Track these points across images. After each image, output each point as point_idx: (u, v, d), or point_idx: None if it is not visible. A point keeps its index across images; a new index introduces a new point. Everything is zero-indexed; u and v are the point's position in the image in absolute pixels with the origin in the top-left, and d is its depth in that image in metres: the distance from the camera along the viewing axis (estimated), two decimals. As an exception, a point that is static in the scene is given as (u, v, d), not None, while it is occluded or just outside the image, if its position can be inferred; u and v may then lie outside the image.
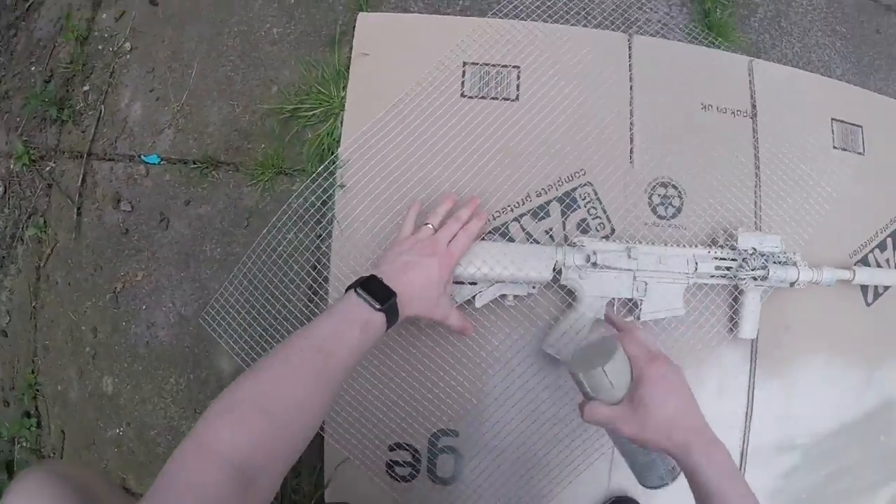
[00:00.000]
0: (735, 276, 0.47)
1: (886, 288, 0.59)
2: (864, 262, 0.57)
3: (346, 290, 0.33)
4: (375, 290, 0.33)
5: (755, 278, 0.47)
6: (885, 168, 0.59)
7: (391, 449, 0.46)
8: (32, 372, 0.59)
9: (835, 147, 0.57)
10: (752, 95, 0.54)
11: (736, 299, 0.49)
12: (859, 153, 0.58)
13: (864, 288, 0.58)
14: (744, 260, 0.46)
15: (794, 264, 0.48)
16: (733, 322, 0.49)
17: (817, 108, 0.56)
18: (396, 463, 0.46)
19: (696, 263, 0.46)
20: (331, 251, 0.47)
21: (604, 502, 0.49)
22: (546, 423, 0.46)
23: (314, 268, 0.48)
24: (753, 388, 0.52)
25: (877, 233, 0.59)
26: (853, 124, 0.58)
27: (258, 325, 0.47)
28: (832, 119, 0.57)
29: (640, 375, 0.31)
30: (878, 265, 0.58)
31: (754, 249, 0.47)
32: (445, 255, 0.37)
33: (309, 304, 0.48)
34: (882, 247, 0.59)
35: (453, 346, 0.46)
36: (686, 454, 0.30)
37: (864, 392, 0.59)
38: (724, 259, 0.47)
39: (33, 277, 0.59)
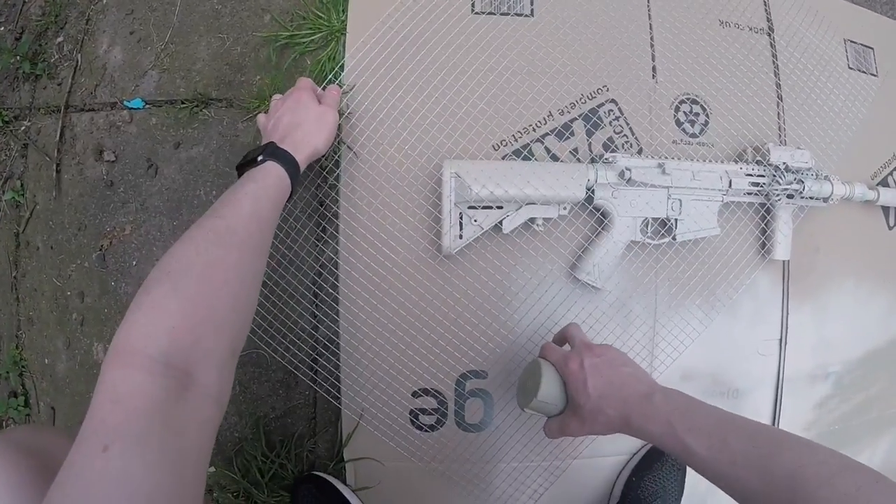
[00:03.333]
0: (770, 193, 0.42)
1: None
2: (883, 184, 0.53)
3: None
4: (248, 153, 0.32)
5: (790, 195, 0.42)
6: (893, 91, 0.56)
7: (415, 395, 0.40)
8: (17, 347, 0.50)
9: (850, 67, 0.52)
10: (767, 13, 0.49)
11: (768, 219, 0.44)
12: (874, 74, 0.54)
13: (886, 211, 0.53)
14: (777, 175, 0.42)
15: (828, 179, 0.43)
16: (763, 244, 0.45)
17: (831, 28, 0.51)
18: (422, 411, 0.40)
19: (730, 179, 0.41)
20: (339, 184, 0.40)
21: (646, 444, 0.44)
22: None
23: (320, 204, 0.41)
24: (787, 313, 0.47)
25: (895, 154, 0.55)
26: (865, 45, 0.54)
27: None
28: (845, 39, 0.52)
29: (564, 379, 0.30)
30: (898, 187, 0.54)
31: (786, 164, 0.42)
32: (302, 88, 0.35)
33: (318, 243, 0.41)
34: (884, 183, 0.55)
35: (479, 277, 0.39)
36: (628, 426, 0.28)
37: (889, 318, 0.54)
38: (757, 175, 0.42)
39: (12, 245, 0.51)
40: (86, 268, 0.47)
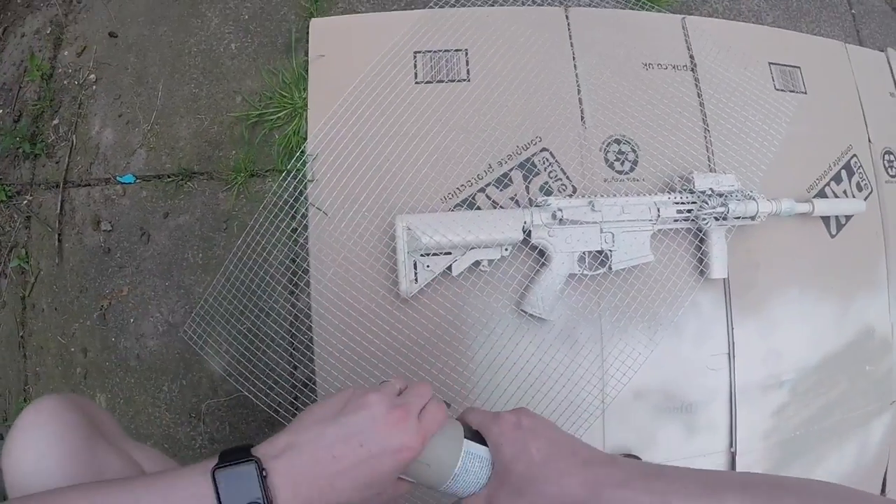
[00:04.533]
0: (697, 218, 0.50)
1: (848, 218, 0.63)
2: (821, 195, 0.61)
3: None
4: (231, 478, 0.20)
5: (716, 217, 0.50)
6: (830, 104, 0.64)
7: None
8: (25, 400, 0.60)
9: (777, 89, 0.61)
10: (689, 50, 0.58)
11: (702, 241, 0.52)
12: (802, 92, 0.63)
13: (826, 220, 0.61)
14: (703, 201, 0.50)
15: (753, 198, 0.51)
16: (703, 264, 0.53)
17: (753, 55, 0.60)
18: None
19: (658, 209, 0.49)
20: (308, 242, 0.49)
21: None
22: (535, 383, 0.48)
23: (293, 261, 0.51)
24: (732, 329, 0.55)
25: (830, 166, 0.63)
26: (791, 66, 0.63)
27: (241, 327, 0.49)
28: (769, 63, 0.61)
29: (494, 443, 0.25)
30: (836, 197, 0.61)
31: (711, 190, 0.50)
32: (416, 431, 0.24)
33: (290, 296, 0.50)
34: (837, 179, 0.63)
35: (435, 316, 0.48)
36: (596, 497, 0.23)
37: (841, 323, 0.62)
38: (684, 202, 0.50)
39: (19, 308, 0.61)
40: (88, 326, 0.57)
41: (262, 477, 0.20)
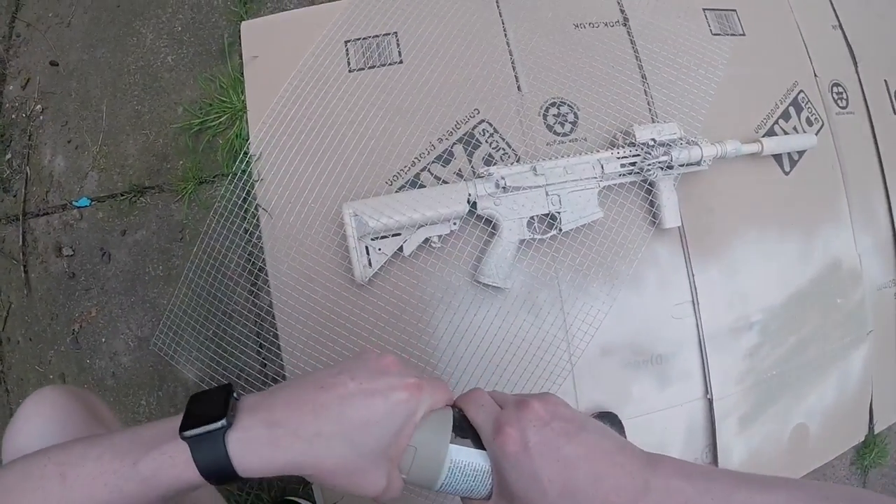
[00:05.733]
0: (642, 169, 0.51)
1: (801, 154, 0.64)
2: (770, 134, 0.62)
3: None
4: (205, 404, 0.20)
5: (661, 166, 0.51)
6: (770, 42, 0.65)
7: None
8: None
9: (714, 34, 0.62)
10: (619, 5, 0.59)
11: (650, 192, 0.53)
12: (741, 34, 0.63)
13: (778, 158, 0.62)
14: (646, 152, 0.51)
15: (696, 143, 0.52)
16: (654, 215, 0.54)
17: (686, 1, 0.61)
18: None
19: (602, 166, 0.50)
20: (262, 240, 0.51)
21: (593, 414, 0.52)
22: (499, 351, 0.50)
23: (249, 260, 0.52)
24: (693, 275, 0.56)
25: (777, 104, 0.64)
26: (726, 9, 0.64)
27: (208, 332, 0.51)
28: (703, 9, 0.62)
29: (496, 461, 0.21)
30: (786, 134, 0.62)
31: (654, 140, 0.51)
32: (410, 385, 0.21)
33: (250, 296, 0.52)
34: (786, 116, 0.64)
35: (393, 297, 0.49)
36: None
37: (806, 258, 0.63)
38: (627, 156, 0.51)
39: (-4, 345, 0.63)
40: (62, 352, 0.58)
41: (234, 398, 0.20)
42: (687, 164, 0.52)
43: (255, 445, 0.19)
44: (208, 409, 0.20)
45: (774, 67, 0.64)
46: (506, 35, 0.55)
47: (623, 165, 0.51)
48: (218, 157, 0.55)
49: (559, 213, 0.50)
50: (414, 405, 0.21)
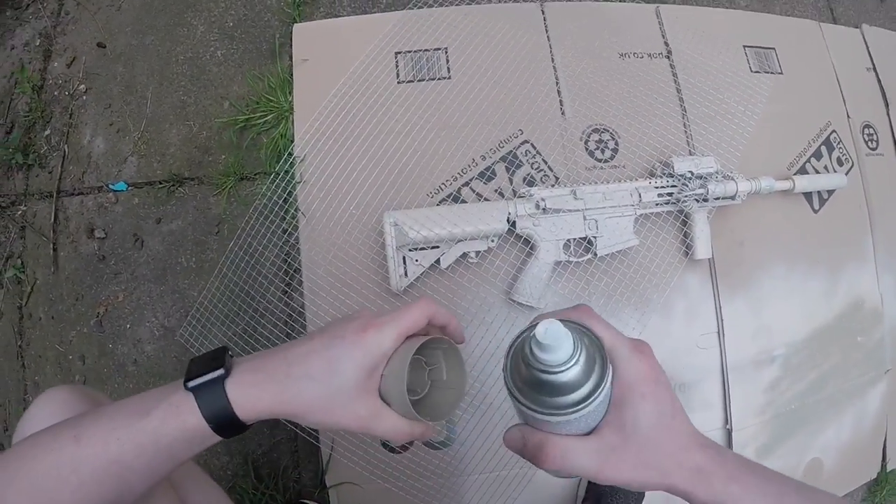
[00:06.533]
0: (678, 200, 0.53)
1: (830, 193, 0.65)
2: (802, 172, 0.64)
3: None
4: (203, 361, 0.22)
5: (697, 199, 0.53)
6: (806, 82, 0.67)
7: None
8: (24, 409, 0.62)
9: (753, 71, 0.64)
10: (664, 38, 0.61)
11: (685, 223, 0.55)
12: (778, 73, 0.66)
13: (808, 196, 0.64)
14: (683, 183, 0.53)
15: (732, 178, 0.54)
16: (687, 246, 0.55)
17: (728, 38, 0.63)
18: (392, 434, 0.50)
19: (640, 194, 0.52)
20: (299, 242, 0.52)
21: None
22: None
23: (285, 261, 0.53)
24: (721, 307, 0.57)
25: (809, 143, 0.66)
26: (765, 48, 0.66)
27: (237, 328, 0.52)
28: (744, 46, 0.64)
29: (626, 386, 0.20)
30: (817, 173, 0.64)
31: (691, 172, 0.53)
32: (373, 324, 0.23)
33: (283, 296, 0.53)
34: (818, 155, 0.66)
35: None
36: (706, 484, 0.19)
37: (830, 295, 0.64)
38: (665, 186, 0.53)
39: (16, 318, 0.63)
40: (85, 333, 0.59)
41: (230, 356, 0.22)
42: (722, 198, 0.54)
43: (245, 388, 0.22)
44: (207, 364, 0.22)
45: (809, 107, 0.66)
46: (553, 60, 0.57)
47: (660, 195, 0.52)
48: (261, 155, 0.56)
49: (595, 237, 0.51)
50: (376, 339, 0.23)
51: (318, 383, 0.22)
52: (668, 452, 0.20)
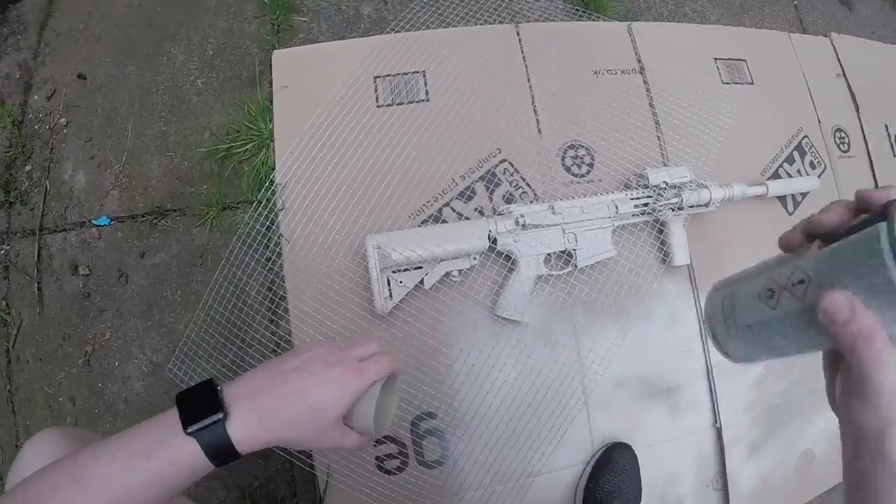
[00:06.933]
0: (654, 210, 0.54)
1: (804, 195, 0.68)
2: (775, 177, 0.66)
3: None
4: (198, 402, 0.24)
5: (672, 208, 0.54)
6: (777, 91, 0.69)
7: (377, 443, 0.50)
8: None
9: (724, 83, 0.66)
10: (636, 54, 0.63)
11: (662, 231, 0.56)
12: (749, 83, 0.68)
13: (782, 199, 0.66)
14: (658, 194, 0.54)
15: (705, 186, 0.55)
16: (665, 253, 0.57)
17: (698, 52, 0.65)
18: (387, 456, 0.51)
19: (616, 206, 0.53)
20: (284, 269, 0.52)
21: (595, 452, 0.54)
22: (516, 383, 0.51)
23: (269, 289, 0.54)
24: (701, 310, 0.59)
25: (782, 148, 0.68)
26: (736, 59, 0.68)
27: (226, 360, 0.52)
28: (715, 59, 0.67)
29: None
30: (790, 177, 0.66)
31: (665, 183, 0.55)
32: (353, 371, 0.27)
33: (269, 324, 0.53)
34: (790, 160, 0.68)
35: (414, 329, 0.51)
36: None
37: None
38: (640, 197, 0.54)
39: (4, 361, 0.63)
40: (73, 374, 0.59)
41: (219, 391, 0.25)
42: (696, 206, 0.55)
43: (250, 430, 0.25)
44: (201, 404, 0.24)
45: (781, 114, 0.68)
46: (528, 79, 0.58)
47: (636, 206, 0.54)
48: (243, 183, 0.57)
49: (575, 250, 0.52)
50: (357, 385, 0.28)
51: (308, 421, 0.26)
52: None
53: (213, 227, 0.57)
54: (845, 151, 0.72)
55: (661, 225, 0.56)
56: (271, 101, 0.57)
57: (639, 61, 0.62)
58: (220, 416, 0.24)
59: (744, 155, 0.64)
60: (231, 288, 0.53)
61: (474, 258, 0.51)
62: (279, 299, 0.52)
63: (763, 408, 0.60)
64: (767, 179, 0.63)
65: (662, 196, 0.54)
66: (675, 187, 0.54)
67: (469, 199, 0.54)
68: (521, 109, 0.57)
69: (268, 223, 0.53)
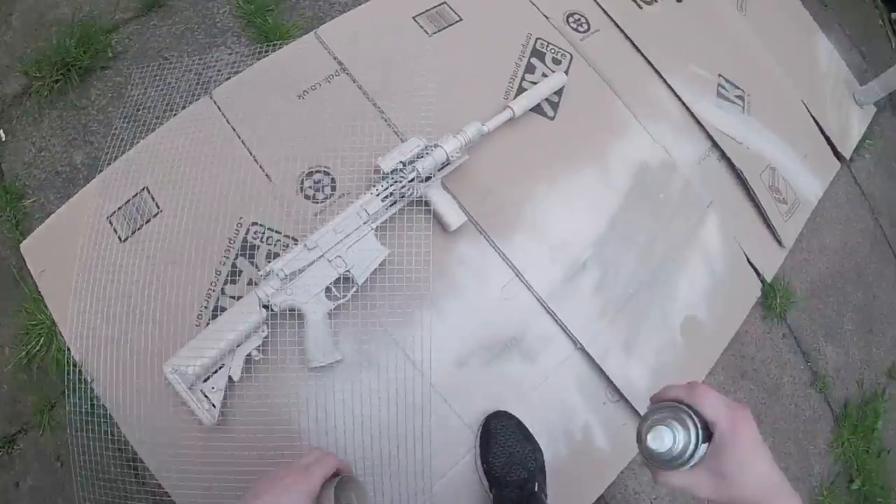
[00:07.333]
0: (403, 195, 0.54)
1: (560, 93, 0.66)
2: (520, 92, 0.64)
3: None
4: None
5: (420, 181, 0.54)
6: (490, 12, 0.67)
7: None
8: None
9: (433, 33, 0.65)
10: (333, 56, 0.63)
11: (427, 204, 0.56)
12: (457, 21, 0.67)
13: (538, 109, 0.65)
14: (395, 180, 0.53)
15: (437, 145, 0.55)
16: (441, 224, 0.56)
17: (393, 21, 0.64)
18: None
19: (366, 210, 0.53)
20: (122, 431, 0.53)
21: (478, 427, 0.54)
22: (367, 416, 0.51)
23: (120, 450, 0.54)
24: (505, 255, 0.58)
25: (516, 63, 0.67)
26: (436, 6, 0.67)
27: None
28: (413, 18, 0.66)
29: (723, 439, 0.28)
30: (536, 84, 0.63)
31: (402, 163, 0.54)
32: (299, 476, 0.33)
33: (140, 486, 0.54)
34: (530, 69, 0.67)
35: (251, 423, 0.51)
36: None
37: (609, 178, 0.65)
38: (383, 189, 0.54)
39: None
40: None
41: None
42: (441, 168, 0.55)
43: None
44: None
45: (502, 31, 0.68)
46: (240, 137, 0.59)
47: (384, 199, 0.54)
48: (53, 376, 0.58)
49: (349, 270, 0.52)
50: (307, 486, 0.32)
51: None
52: (752, 488, 0.28)
53: (52, 429, 0.58)
54: (586, 31, 0.71)
55: (425, 201, 0.56)
56: (39, 291, 0.58)
57: (338, 62, 0.62)
58: None
59: (478, 90, 0.63)
60: (89, 474, 0.53)
61: (263, 331, 0.51)
62: (133, 460, 0.53)
63: (615, 307, 0.60)
64: (513, 99, 0.62)
65: (403, 177, 0.54)
66: (410, 162, 0.54)
67: (236, 279, 0.54)
68: (245, 169, 0.57)
69: (90, 400, 0.54)
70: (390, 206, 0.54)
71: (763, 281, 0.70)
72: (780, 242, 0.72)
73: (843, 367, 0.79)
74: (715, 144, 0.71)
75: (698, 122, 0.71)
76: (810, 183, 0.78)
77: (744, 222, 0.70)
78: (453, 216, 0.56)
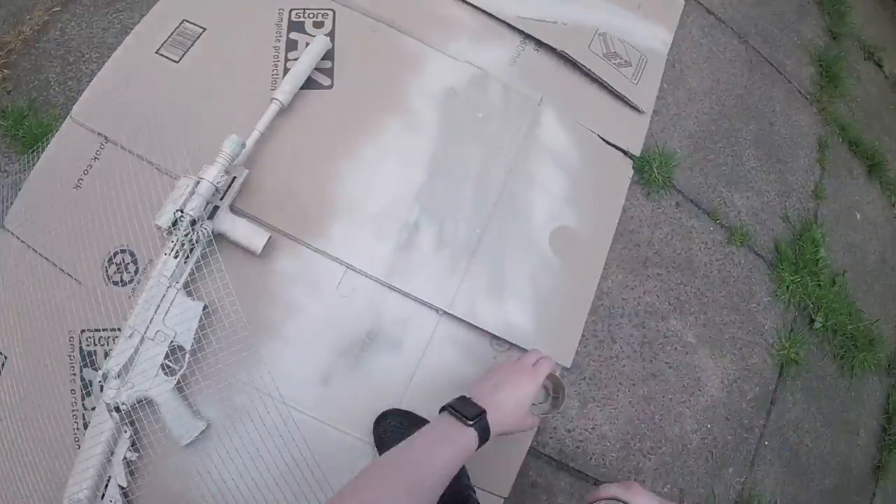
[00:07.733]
0: (192, 241, 0.50)
1: (330, 60, 0.59)
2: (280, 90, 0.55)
3: (440, 411, 0.38)
4: (465, 408, 0.37)
5: (200, 223, 0.50)
6: (227, 19, 0.59)
7: None
8: None
9: (179, 60, 0.59)
10: (94, 132, 0.58)
11: (225, 237, 0.51)
12: (202, 30, 0.59)
13: (310, 85, 0.58)
14: (171, 231, 0.49)
15: (200, 179, 0.49)
16: (247, 254, 0.51)
17: (139, 65, 0.58)
18: None
19: (164, 274, 0.50)
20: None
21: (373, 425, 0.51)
22: (262, 471, 0.49)
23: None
24: (326, 252, 0.53)
25: (275, 49, 0.60)
26: (178, 29, 0.60)
27: None
28: (155, 53, 0.59)
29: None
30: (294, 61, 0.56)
31: (179, 212, 0.50)
32: (531, 373, 0.41)
33: None
34: (291, 47, 0.60)
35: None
36: None
37: (414, 123, 0.59)
38: (173, 246, 0.50)
39: None
40: None
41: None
42: (221, 197, 0.51)
43: (495, 420, 0.37)
44: (468, 408, 0.37)
45: (250, 20, 0.60)
46: (39, 253, 0.56)
47: (176, 256, 0.50)
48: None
49: (174, 340, 0.50)
50: (536, 381, 0.41)
51: (516, 410, 0.39)
52: None
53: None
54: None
55: (216, 236, 0.51)
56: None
57: (100, 135, 0.58)
58: (484, 411, 0.37)
59: (246, 92, 0.57)
60: None
61: (125, 431, 0.50)
62: None
63: (466, 255, 0.54)
64: (278, 88, 0.56)
65: (181, 226, 0.50)
66: (181, 210, 0.49)
67: (89, 388, 0.52)
68: (53, 281, 0.54)
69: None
70: (186, 259, 0.51)
71: (631, 157, 0.62)
72: (636, 108, 0.63)
73: (760, 209, 0.71)
74: (527, 36, 0.63)
75: (499, 20, 0.63)
76: (653, 32, 0.69)
77: (587, 103, 0.62)
78: (254, 238, 0.52)
